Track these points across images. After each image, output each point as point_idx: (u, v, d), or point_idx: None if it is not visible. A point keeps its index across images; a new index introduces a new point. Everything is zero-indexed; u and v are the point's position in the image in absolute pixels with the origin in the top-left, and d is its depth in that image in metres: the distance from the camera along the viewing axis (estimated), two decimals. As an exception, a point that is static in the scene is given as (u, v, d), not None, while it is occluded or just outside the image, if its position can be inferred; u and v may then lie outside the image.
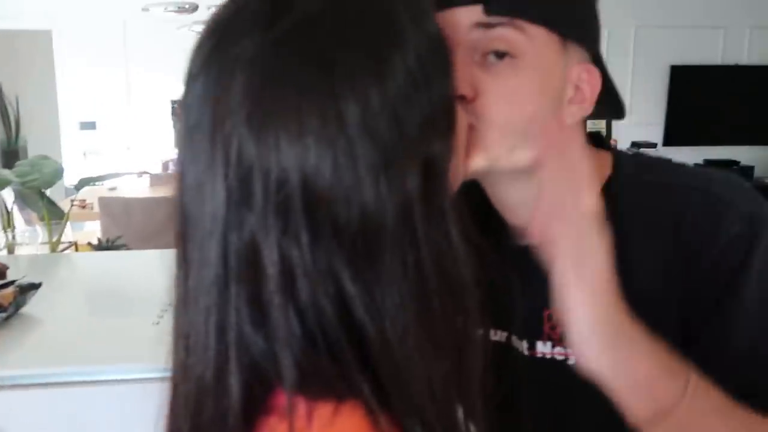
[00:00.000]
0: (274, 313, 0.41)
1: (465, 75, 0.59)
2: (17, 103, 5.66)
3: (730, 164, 4.99)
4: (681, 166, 0.70)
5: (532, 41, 0.60)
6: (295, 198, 0.40)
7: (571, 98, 0.64)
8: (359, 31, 0.42)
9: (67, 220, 2.27)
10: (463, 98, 0.58)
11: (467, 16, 0.60)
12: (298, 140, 0.40)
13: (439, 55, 0.46)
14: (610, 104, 0.70)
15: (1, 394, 1.44)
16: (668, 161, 0.72)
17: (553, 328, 0.70)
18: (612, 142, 4.66)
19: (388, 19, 0.43)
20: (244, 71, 0.41)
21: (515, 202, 0.69)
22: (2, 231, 2.09)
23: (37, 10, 4.74)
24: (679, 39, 5.03)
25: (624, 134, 5.04)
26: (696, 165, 4.95)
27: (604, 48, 4.90)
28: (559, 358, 0.70)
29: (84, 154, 5.10)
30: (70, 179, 3.95)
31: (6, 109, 5.57)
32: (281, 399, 0.42)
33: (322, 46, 0.41)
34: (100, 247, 2.41)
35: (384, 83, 0.41)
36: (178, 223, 0.45)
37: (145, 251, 2.29)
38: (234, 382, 0.43)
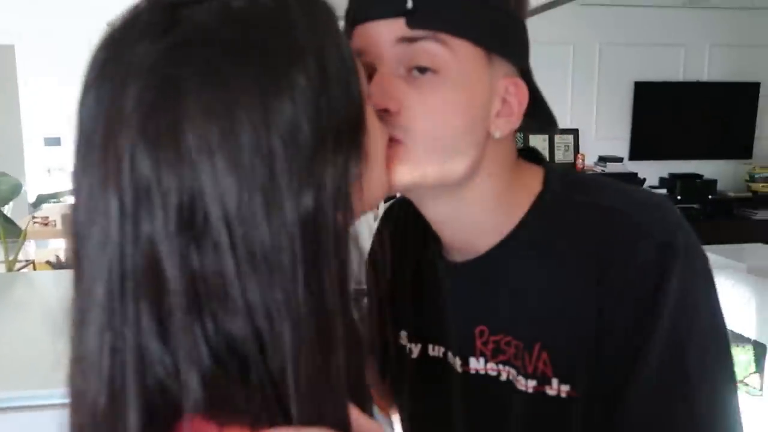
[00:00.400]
0: (177, 330, 0.40)
1: (389, 88, 0.59)
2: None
3: (693, 177, 5.09)
4: (611, 185, 0.69)
5: (456, 55, 0.60)
6: (195, 213, 0.40)
7: (498, 111, 0.64)
8: (254, 46, 0.41)
9: (24, 238, 2.23)
10: (386, 111, 0.59)
11: (390, 30, 0.60)
12: (193, 157, 0.39)
13: (340, 73, 0.45)
14: (541, 118, 0.70)
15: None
16: (599, 179, 0.71)
17: (485, 344, 0.69)
18: (579, 156, 4.80)
19: (285, 34, 0.42)
20: (137, 81, 0.40)
21: (442, 219, 0.69)
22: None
23: None
24: (642, 56, 5.14)
25: (591, 148, 5.12)
26: (661, 178, 5.23)
27: (569, 64, 5.04)
28: (492, 374, 0.70)
29: (48, 170, 5.01)
30: (32, 196, 3.88)
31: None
32: (188, 427, 0.40)
33: (216, 58, 0.40)
34: (59, 265, 2.36)
35: (279, 101, 0.41)
36: (70, 239, 0.43)
37: (106, 269, 2.23)
38: (131, 409, 0.40)
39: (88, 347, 0.42)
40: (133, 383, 0.40)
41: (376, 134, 0.52)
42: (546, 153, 5.19)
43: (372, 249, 0.84)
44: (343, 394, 0.44)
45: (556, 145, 5.14)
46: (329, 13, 0.47)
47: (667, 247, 0.61)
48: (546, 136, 5.07)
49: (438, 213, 0.68)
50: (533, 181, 0.69)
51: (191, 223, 0.40)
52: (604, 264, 0.62)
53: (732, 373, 0.63)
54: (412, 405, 0.79)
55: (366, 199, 0.49)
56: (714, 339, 0.62)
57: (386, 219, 0.85)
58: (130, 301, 0.40)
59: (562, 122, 5.32)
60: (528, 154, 0.72)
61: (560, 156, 5.14)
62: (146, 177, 0.39)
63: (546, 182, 0.68)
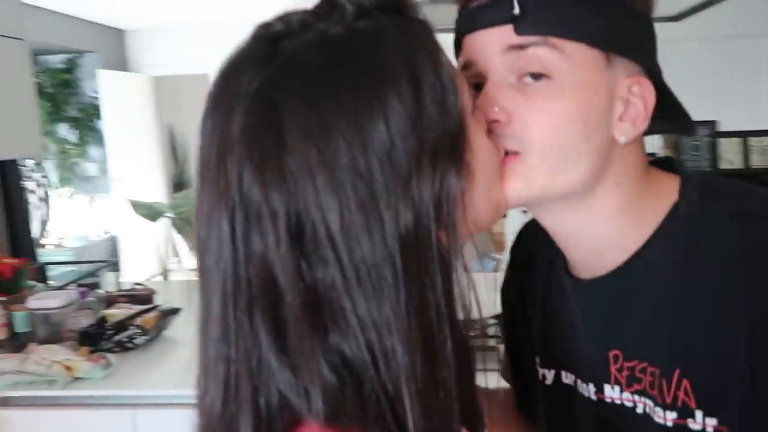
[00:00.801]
0: (297, 342, 0.42)
1: (498, 99, 0.57)
2: (184, 141, 6.01)
3: None
4: (756, 191, 0.62)
5: (570, 59, 0.57)
6: (303, 231, 0.42)
7: (621, 115, 0.59)
8: (347, 70, 0.43)
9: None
10: (497, 122, 0.57)
11: (498, 39, 0.57)
12: (295, 177, 0.41)
13: (436, 91, 0.45)
14: (676, 118, 0.66)
15: (142, 413, 1.57)
16: (742, 185, 0.64)
17: (620, 370, 0.64)
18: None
19: (378, 57, 0.44)
20: (242, 108, 0.43)
21: (566, 233, 0.64)
22: (161, 258, 2.06)
23: (195, 57, 5.01)
24: None
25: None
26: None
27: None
28: (628, 404, 0.63)
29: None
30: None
31: (175, 146, 5.91)
32: None
33: (311, 83, 0.43)
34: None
35: (373, 122, 0.42)
36: (197, 255, 0.47)
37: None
38: (244, 416, 0.43)
39: (208, 355, 0.45)
40: (247, 391, 0.43)
41: (482, 149, 0.51)
42: (740, 157, 5.05)
43: (506, 273, 0.82)
44: (454, 410, 0.44)
45: (752, 148, 5.01)
46: (426, 31, 0.48)
47: None
48: (740, 140, 4.97)
49: (562, 227, 0.64)
50: (668, 190, 0.63)
51: (300, 239, 0.42)
52: (752, 279, 0.56)
53: None
54: None
55: (475, 216, 0.50)
56: None
57: (517, 242, 0.81)
58: (244, 315, 0.43)
59: (761, 123, 5.22)
60: (663, 164, 0.66)
61: (758, 161, 4.99)
62: (254, 197, 0.42)
63: (682, 191, 0.62)
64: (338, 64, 0.44)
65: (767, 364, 0.55)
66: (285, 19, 0.46)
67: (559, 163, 0.58)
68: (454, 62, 0.56)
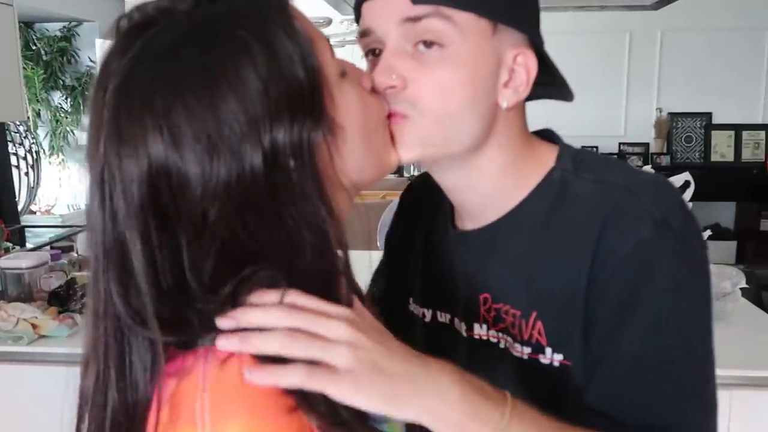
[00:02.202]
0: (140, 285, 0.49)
1: (394, 65, 0.62)
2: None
3: None
4: (619, 164, 0.71)
5: (460, 29, 0.61)
6: (158, 195, 0.48)
7: (505, 82, 0.65)
8: (197, 44, 0.49)
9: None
10: (392, 88, 0.61)
11: (395, 9, 0.61)
12: (152, 146, 0.48)
13: (291, 54, 0.51)
14: (558, 87, 0.72)
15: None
16: (610, 159, 0.72)
17: (488, 311, 0.71)
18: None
19: (229, 32, 0.50)
20: (109, 91, 0.49)
21: (454, 187, 0.71)
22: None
23: None
24: None
25: None
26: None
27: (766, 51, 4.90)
28: (492, 340, 0.71)
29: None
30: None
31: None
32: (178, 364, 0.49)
33: (164, 64, 0.49)
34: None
35: (227, 88, 0.48)
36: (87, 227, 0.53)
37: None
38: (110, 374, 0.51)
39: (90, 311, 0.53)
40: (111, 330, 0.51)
41: (354, 106, 0.57)
42: (731, 150, 5.05)
43: (393, 217, 0.89)
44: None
45: (744, 142, 5.01)
46: (281, 3, 0.54)
47: (665, 225, 0.61)
48: (732, 132, 4.97)
49: (451, 181, 0.70)
50: (546, 157, 0.70)
51: (153, 204, 0.48)
52: (602, 237, 0.62)
53: (710, 362, 0.63)
54: None
55: (354, 167, 0.57)
56: (695, 327, 0.62)
57: (409, 188, 0.88)
58: (106, 283, 0.51)
59: (754, 117, 5.21)
60: (545, 135, 0.73)
61: (748, 155, 5.00)
62: (114, 169, 0.49)
63: (558, 159, 0.69)
64: (188, 42, 0.49)
65: (599, 311, 0.62)
66: (142, 8, 0.52)
67: (448, 125, 0.63)
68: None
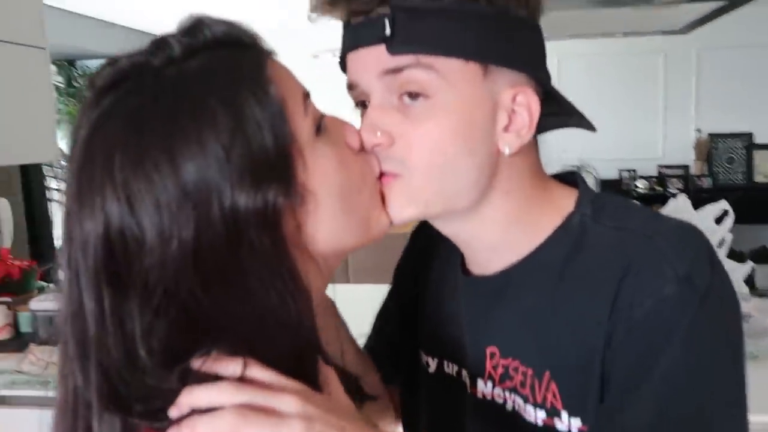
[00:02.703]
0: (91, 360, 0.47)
1: (379, 122, 0.57)
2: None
3: None
4: (642, 210, 0.64)
5: (445, 77, 0.56)
6: (113, 256, 0.47)
7: (505, 126, 0.59)
8: (163, 110, 0.48)
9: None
10: (379, 146, 0.57)
11: (375, 60, 0.57)
12: (107, 208, 0.47)
13: (259, 120, 0.49)
14: (573, 118, 0.66)
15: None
16: (632, 204, 0.66)
17: (495, 367, 0.65)
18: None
19: (195, 95, 0.49)
20: (74, 154, 0.49)
21: (461, 236, 0.65)
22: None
23: None
24: None
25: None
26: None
27: None
28: (498, 401, 0.65)
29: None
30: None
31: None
32: None
33: (127, 126, 0.48)
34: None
35: (188, 152, 0.47)
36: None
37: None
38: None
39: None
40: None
41: (332, 170, 0.54)
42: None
43: (403, 255, 0.83)
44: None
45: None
46: (257, 64, 0.52)
47: (688, 283, 0.55)
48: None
49: (455, 232, 0.65)
50: (564, 202, 0.64)
51: (109, 263, 0.47)
52: (619, 292, 0.56)
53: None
54: (427, 419, 0.76)
55: (332, 235, 0.54)
56: (716, 404, 0.56)
57: (420, 227, 0.82)
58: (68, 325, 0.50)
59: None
60: (568, 177, 0.67)
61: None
62: (75, 230, 0.48)
63: (578, 204, 0.63)
64: (153, 105, 0.48)
65: (614, 372, 0.57)
66: (114, 64, 0.51)
67: (442, 181, 0.58)
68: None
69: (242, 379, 0.45)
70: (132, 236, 0.47)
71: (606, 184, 5.07)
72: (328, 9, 0.58)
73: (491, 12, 0.56)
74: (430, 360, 0.74)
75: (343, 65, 0.62)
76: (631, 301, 0.56)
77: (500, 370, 0.64)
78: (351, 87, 0.61)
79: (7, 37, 1.91)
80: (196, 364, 0.46)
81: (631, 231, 0.59)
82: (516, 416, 0.63)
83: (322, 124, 0.55)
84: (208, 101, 0.48)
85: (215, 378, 0.45)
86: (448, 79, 0.56)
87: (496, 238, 0.63)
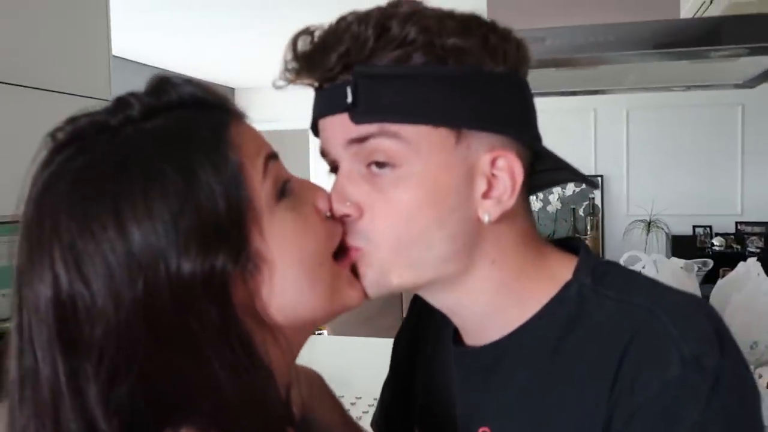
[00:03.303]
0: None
1: (347, 192, 0.55)
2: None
3: None
4: (648, 281, 0.58)
5: (412, 145, 0.53)
6: (56, 324, 0.46)
7: (484, 192, 0.55)
8: (113, 173, 0.46)
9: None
10: (347, 216, 0.55)
11: (341, 129, 0.54)
12: (56, 269, 0.45)
13: (212, 185, 0.47)
14: (566, 173, 0.61)
15: None
16: (636, 274, 0.61)
17: None
18: None
19: (147, 158, 0.47)
20: (23, 213, 0.48)
21: (447, 306, 0.61)
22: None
23: (294, 115, 5.24)
24: None
25: None
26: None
27: None
28: None
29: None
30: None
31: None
32: None
33: (74, 189, 0.46)
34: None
35: (134, 217, 0.46)
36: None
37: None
38: None
39: None
40: None
41: (291, 238, 0.51)
42: None
43: (402, 323, 0.79)
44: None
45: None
46: (218, 127, 0.50)
47: (696, 365, 0.49)
48: None
49: (441, 303, 0.61)
50: (561, 271, 0.59)
51: (61, 330, 0.45)
52: (619, 373, 0.52)
53: None
54: None
55: (290, 307, 0.51)
56: None
57: (413, 301, 0.77)
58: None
59: None
60: (567, 244, 0.63)
61: None
62: (25, 292, 0.47)
63: (576, 272, 0.59)
64: (103, 166, 0.47)
65: None
66: (74, 122, 0.50)
67: (411, 253, 0.55)
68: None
69: None
70: (81, 299, 0.45)
71: (678, 241, 4.85)
72: (294, 77, 0.56)
73: (460, 72, 0.53)
74: None
75: (315, 131, 0.60)
76: (631, 383, 0.51)
77: None
78: (322, 154, 0.59)
79: (75, 90, 2.01)
80: None
81: (633, 303, 0.54)
82: None
83: (286, 188, 0.53)
84: (159, 163, 0.47)
85: None
86: (416, 147, 0.53)
87: (486, 308, 0.59)
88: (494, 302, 0.59)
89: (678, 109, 4.85)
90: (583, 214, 5.16)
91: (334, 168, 0.58)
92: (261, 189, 0.51)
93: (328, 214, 0.55)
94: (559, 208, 5.18)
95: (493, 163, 0.55)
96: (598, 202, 5.14)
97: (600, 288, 0.57)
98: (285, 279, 0.51)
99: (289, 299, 0.51)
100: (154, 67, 4.63)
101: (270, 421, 0.48)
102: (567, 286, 0.58)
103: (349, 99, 0.53)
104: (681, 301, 0.55)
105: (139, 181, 0.46)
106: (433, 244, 0.55)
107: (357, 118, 0.53)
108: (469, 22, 0.54)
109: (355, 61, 0.52)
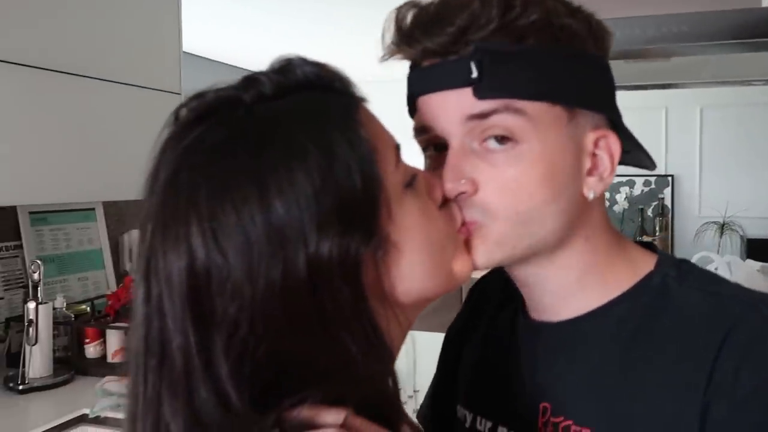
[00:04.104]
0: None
1: (463, 169, 0.55)
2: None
3: None
4: (729, 282, 0.60)
5: (534, 122, 0.54)
6: (199, 294, 0.45)
7: (588, 170, 0.58)
8: (251, 144, 0.46)
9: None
10: (462, 194, 0.55)
11: (458, 105, 0.54)
12: (192, 243, 0.45)
13: (349, 162, 0.47)
14: (639, 159, 0.65)
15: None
16: (717, 275, 0.61)
17: (546, 425, 0.60)
18: None
19: (286, 135, 0.47)
20: (159, 184, 0.47)
21: (534, 281, 0.62)
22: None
23: None
24: None
25: None
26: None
27: None
28: None
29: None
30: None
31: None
32: None
33: (214, 162, 0.46)
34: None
35: (275, 193, 0.45)
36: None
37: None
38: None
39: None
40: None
41: (417, 225, 0.52)
42: None
43: (451, 324, 0.80)
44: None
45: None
46: (348, 107, 0.50)
47: None
48: None
49: (529, 278, 0.62)
50: (643, 262, 0.61)
51: (194, 302, 0.45)
52: (718, 363, 0.52)
53: None
54: None
55: (414, 285, 0.52)
56: None
57: (476, 285, 0.79)
58: (145, 376, 0.47)
59: None
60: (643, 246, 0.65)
61: None
62: (159, 263, 0.46)
63: (659, 265, 0.60)
64: (242, 140, 0.47)
65: None
66: (201, 98, 0.50)
67: (528, 227, 0.56)
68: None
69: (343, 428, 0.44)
70: (217, 271, 0.45)
71: (753, 244, 4.63)
72: (402, 49, 0.57)
73: (571, 53, 0.55)
74: (467, 414, 0.70)
75: (411, 107, 0.60)
76: (734, 374, 0.51)
77: (550, 429, 0.59)
78: (422, 131, 0.59)
79: (147, 83, 2.08)
80: (294, 410, 0.43)
81: (727, 296, 0.56)
82: None
83: (414, 181, 0.53)
84: (299, 139, 0.47)
85: (313, 425, 0.43)
86: (536, 124, 0.54)
87: (571, 285, 0.61)
88: (581, 279, 0.60)
89: (756, 107, 4.63)
90: (651, 215, 5.00)
91: (436, 146, 0.58)
92: (394, 175, 0.51)
93: (440, 201, 0.56)
94: (626, 207, 5.03)
95: (596, 142, 0.58)
96: (667, 202, 4.97)
97: (686, 280, 0.58)
98: (411, 264, 0.51)
99: (411, 281, 0.52)
100: (223, 63, 4.75)
101: (387, 401, 0.48)
102: (650, 275, 0.60)
103: (474, 74, 0.53)
104: None
105: (283, 156, 0.46)
106: (546, 218, 0.56)
107: (482, 94, 0.53)
108: (573, 6, 0.56)
109: (477, 37, 0.53)
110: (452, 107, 0.55)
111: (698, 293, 0.57)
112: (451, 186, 0.55)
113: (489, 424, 0.66)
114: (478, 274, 0.72)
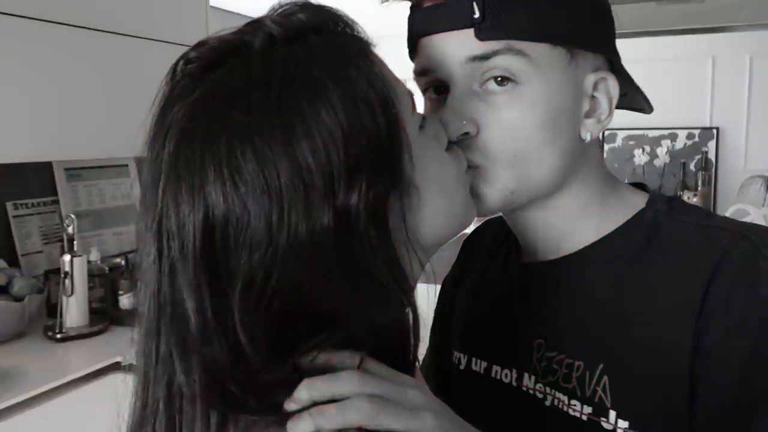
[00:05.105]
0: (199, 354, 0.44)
1: (464, 111, 0.55)
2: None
3: None
4: (715, 214, 0.61)
5: (535, 63, 0.54)
6: (214, 247, 0.44)
7: (586, 112, 0.58)
8: (271, 91, 0.44)
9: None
10: (466, 135, 0.55)
11: (460, 46, 0.55)
12: (206, 197, 0.43)
13: (370, 103, 0.46)
14: (637, 102, 0.65)
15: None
16: (704, 209, 0.63)
17: (540, 360, 0.61)
18: None
19: (305, 77, 0.45)
20: (169, 136, 0.45)
21: (531, 224, 0.63)
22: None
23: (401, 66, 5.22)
24: None
25: None
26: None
27: None
28: (539, 395, 0.61)
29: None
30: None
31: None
32: None
33: (230, 108, 0.44)
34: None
35: (300, 137, 0.43)
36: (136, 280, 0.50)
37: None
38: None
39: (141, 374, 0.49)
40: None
41: (432, 162, 0.51)
42: None
43: (447, 275, 0.81)
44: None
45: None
46: (360, 48, 0.49)
47: None
48: None
49: (528, 221, 0.63)
50: (635, 200, 0.63)
51: (209, 256, 0.44)
52: (710, 289, 0.52)
53: None
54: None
55: (433, 228, 0.51)
56: None
57: (471, 236, 0.81)
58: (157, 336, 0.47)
59: None
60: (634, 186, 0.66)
61: None
62: (171, 215, 0.45)
63: (650, 203, 0.62)
64: (260, 83, 0.45)
65: (712, 378, 0.51)
66: (204, 46, 0.48)
67: (527, 169, 0.56)
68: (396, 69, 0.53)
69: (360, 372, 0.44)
70: (236, 222, 0.43)
71: (801, 199, 4.45)
72: None
73: None
74: (461, 356, 0.71)
75: (412, 50, 0.59)
76: (727, 301, 0.52)
77: (544, 363, 0.61)
78: (423, 73, 0.59)
79: (173, 38, 2.08)
80: (310, 356, 0.43)
81: (719, 228, 0.57)
82: (554, 411, 0.59)
83: (424, 123, 0.53)
84: (321, 80, 0.45)
85: (330, 371, 0.43)
86: (538, 65, 0.54)
87: (567, 225, 0.62)
88: (577, 219, 0.62)
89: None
90: (693, 169, 4.85)
91: (436, 88, 0.59)
92: (412, 118, 0.51)
93: (446, 144, 0.55)
94: (667, 162, 4.89)
95: (595, 84, 0.58)
96: (711, 156, 4.80)
97: (676, 214, 0.59)
98: (431, 206, 0.51)
99: (435, 224, 0.52)
100: (249, 17, 4.73)
101: (405, 343, 0.48)
102: (642, 212, 0.61)
103: (477, 15, 0.53)
104: (765, 226, 0.57)
105: (305, 96, 0.44)
106: (545, 160, 0.57)
107: (484, 35, 0.54)
108: None
109: None
110: (454, 49, 0.55)
111: (689, 226, 0.58)
112: (454, 127, 0.55)
113: (484, 364, 0.67)
114: (469, 230, 0.72)
